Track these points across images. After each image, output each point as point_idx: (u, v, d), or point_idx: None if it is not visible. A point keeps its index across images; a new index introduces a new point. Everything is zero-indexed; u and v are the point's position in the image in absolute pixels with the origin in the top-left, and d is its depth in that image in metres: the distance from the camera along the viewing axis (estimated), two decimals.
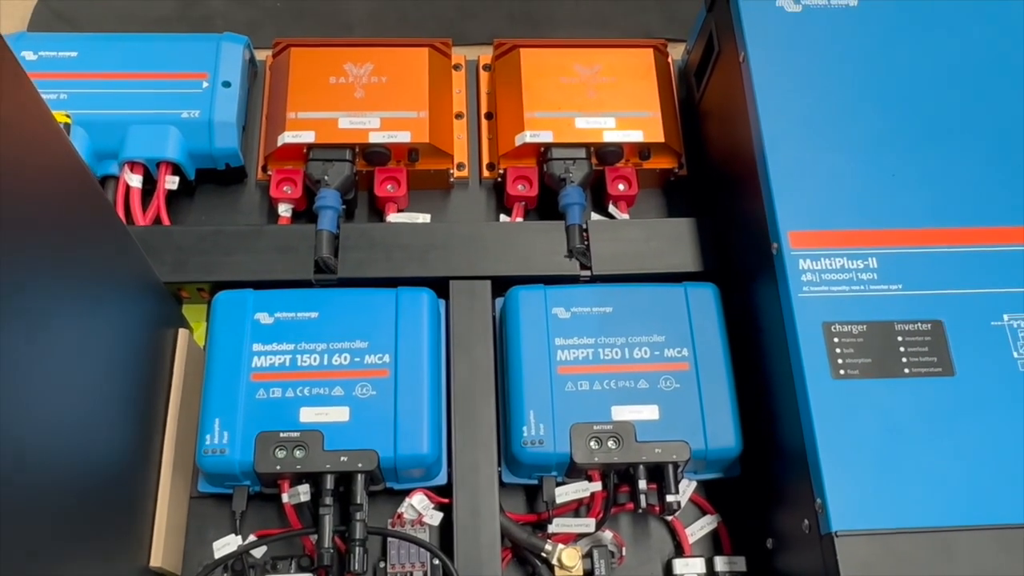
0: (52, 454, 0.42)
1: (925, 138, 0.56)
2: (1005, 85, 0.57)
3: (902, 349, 0.50)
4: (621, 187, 0.67)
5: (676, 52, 0.75)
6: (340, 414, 0.55)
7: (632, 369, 0.57)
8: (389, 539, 0.55)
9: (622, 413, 0.56)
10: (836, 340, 0.50)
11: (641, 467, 0.55)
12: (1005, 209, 0.54)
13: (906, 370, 0.50)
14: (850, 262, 0.52)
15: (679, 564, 0.57)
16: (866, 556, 0.45)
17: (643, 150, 0.67)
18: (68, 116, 0.62)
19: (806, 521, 0.48)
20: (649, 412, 0.56)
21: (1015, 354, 0.50)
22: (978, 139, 0.56)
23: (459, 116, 0.71)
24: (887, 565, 0.45)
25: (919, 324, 0.51)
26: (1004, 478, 0.47)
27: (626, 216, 0.67)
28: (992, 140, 0.56)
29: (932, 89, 0.57)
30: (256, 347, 0.57)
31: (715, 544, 0.59)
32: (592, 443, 0.55)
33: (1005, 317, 0.51)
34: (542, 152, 0.66)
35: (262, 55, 0.73)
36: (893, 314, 0.51)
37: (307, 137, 0.64)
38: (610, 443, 0.55)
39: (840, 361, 0.50)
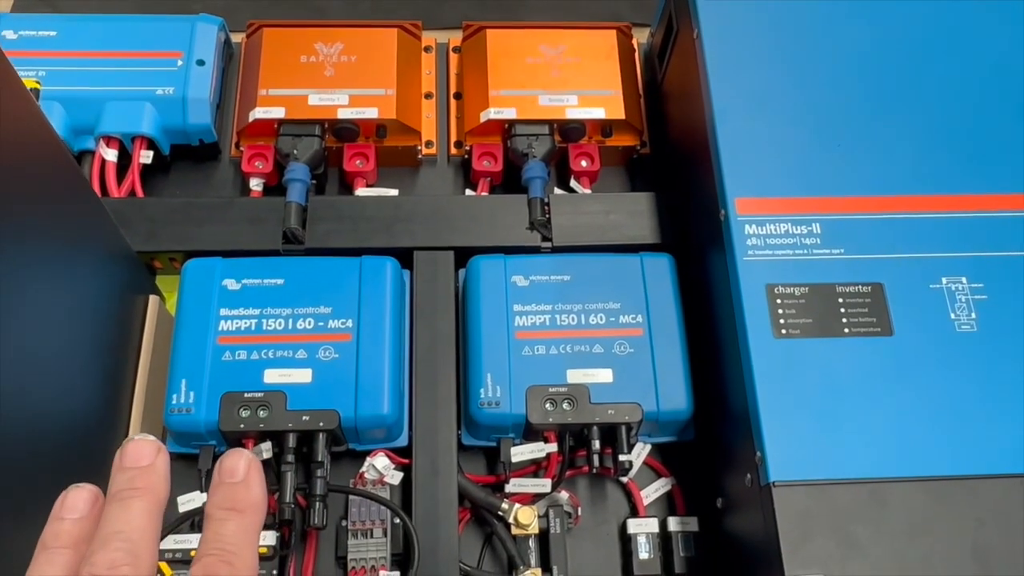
0: (22, 412, 0.43)
1: (870, 110, 0.57)
2: (947, 58, 0.59)
3: (842, 310, 0.52)
4: (584, 163, 0.69)
5: (644, 37, 0.77)
6: (303, 376, 0.57)
7: (588, 335, 0.59)
8: (351, 497, 0.57)
9: (577, 376, 0.58)
10: (779, 301, 0.52)
11: (595, 428, 0.57)
12: (944, 178, 0.56)
13: (846, 330, 0.51)
14: (794, 227, 0.54)
15: (633, 524, 0.58)
16: (802, 505, 0.47)
17: (605, 127, 0.69)
18: (38, 83, 0.64)
19: (748, 475, 0.50)
20: (603, 375, 0.58)
21: (952, 315, 0.52)
22: (920, 112, 0.58)
23: (428, 96, 0.73)
24: (823, 514, 0.46)
25: (859, 286, 0.53)
26: (936, 433, 0.49)
27: (588, 191, 0.68)
28: (933, 113, 0.57)
29: (877, 62, 0.59)
30: (223, 312, 0.58)
31: (669, 506, 0.61)
32: (547, 404, 0.57)
33: (943, 280, 0.53)
34: (506, 129, 0.68)
35: (239, 39, 0.75)
36: (835, 277, 0.53)
37: (277, 113, 0.66)
38: (565, 405, 0.57)
39: (782, 321, 0.51)
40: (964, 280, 0.53)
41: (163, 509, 0.29)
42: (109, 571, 0.27)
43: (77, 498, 0.29)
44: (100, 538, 0.28)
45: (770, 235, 0.54)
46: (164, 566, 0.55)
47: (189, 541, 0.55)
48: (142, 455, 0.30)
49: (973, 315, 0.52)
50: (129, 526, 0.28)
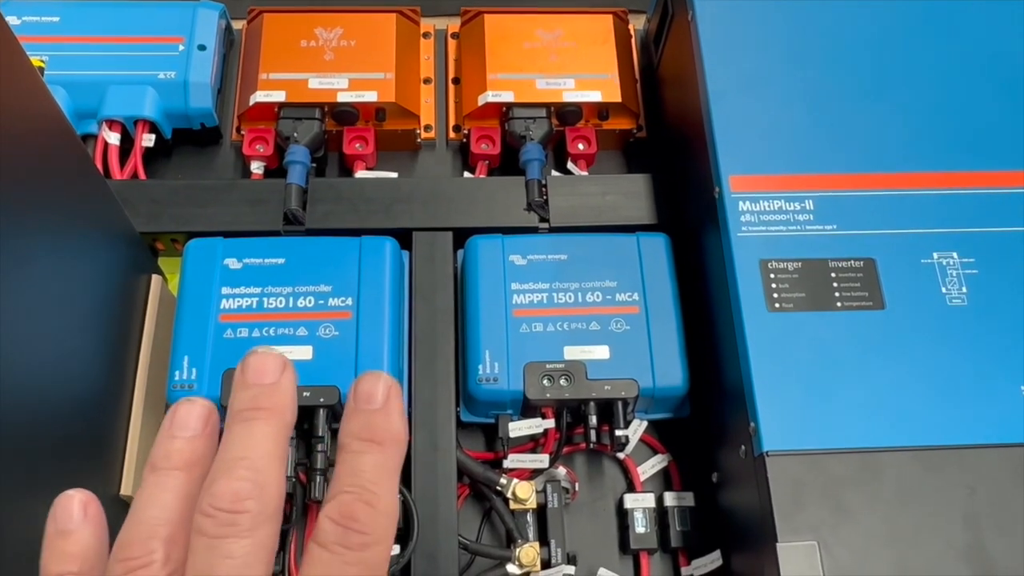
0: (25, 390, 0.44)
1: (862, 89, 0.58)
2: (938, 38, 0.60)
3: (835, 284, 0.53)
4: (581, 146, 0.70)
5: (641, 24, 0.77)
6: (304, 353, 0.57)
7: (584, 312, 0.60)
8: None
9: (574, 353, 0.58)
10: (772, 276, 0.53)
11: (592, 404, 0.57)
12: (935, 156, 0.56)
13: (838, 304, 0.52)
14: (787, 204, 0.55)
15: (629, 499, 0.59)
16: (796, 474, 0.47)
17: (602, 110, 0.69)
18: (42, 61, 0.65)
19: (743, 447, 0.51)
20: (600, 352, 0.58)
21: (943, 289, 0.53)
22: (911, 90, 0.58)
23: (427, 81, 0.74)
24: (815, 482, 0.47)
25: (852, 261, 0.53)
26: (927, 403, 0.49)
27: (585, 173, 0.69)
28: (924, 91, 0.58)
29: (869, 42, 0.60)
30: (225, 290, 0.59)
31: (666, 481, 0.61)
32: (544, 380, 0.57)
33: (934, 255, 0.54)
34: (504, 112, 0.69)
35: (240, 26, 0.76)
36: (827, 252, 0.54)
37: (278, 96, 0.67)
38: (562, 381, 0.58)
39: (776, 295, 0.52)
40: (955, 255, 0.54)
41: (290, 433, 0.27)
42: (233, 504, 0.24)
43: (189, 413, 0.27)
44: (222, 464, 0.25)
45: (764, 212, 0.55)
46: None
47: None
48: (266, 371, 0.27)
49: (964, 289, 0.53)
50: (255, 452, 0.25)
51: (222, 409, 0.55)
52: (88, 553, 0.26)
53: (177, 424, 0.27)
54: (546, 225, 0.65)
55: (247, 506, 0.24)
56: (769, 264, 0.53)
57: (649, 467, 0.61)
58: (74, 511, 0.26)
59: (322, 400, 0.56)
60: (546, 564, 0.56)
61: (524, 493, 0.57)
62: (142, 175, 0.67)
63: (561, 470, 0.60)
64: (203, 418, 0.27)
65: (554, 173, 0.70)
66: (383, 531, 0.25)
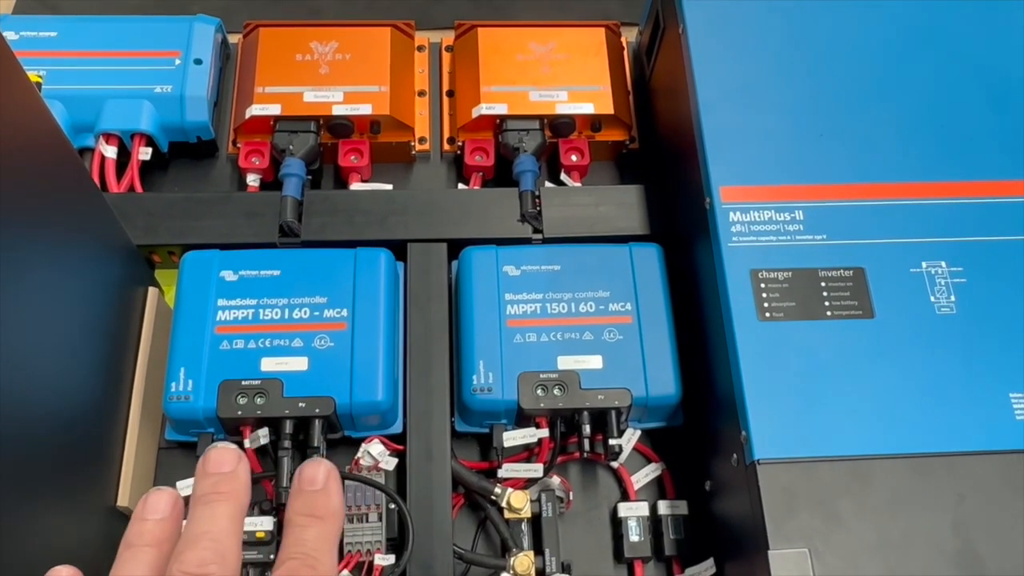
0: (22, 403, 0.44)
1: (851, 100, 0.59)
2: (926, 49, 0.61)
3: (825, 294, 0.53)
4: (574, 158, 0.70)
5: (633, 36, 0.78)
6: (299, 364, 0.58)
7: (578, 322, 0.60)
8: (346, 483, 0.58)
9: (567, 363, 0.59)
10: (763, 286, 0.53)
11: (586, 413, 0.58)
12: (924, 166, 0.57)
13: (828, 312, 0.53)
14: (778, 214, 0.55)
15: (623, 508, 0.59)
16: (787, 482, 0.48)
17: (594, 122, 0.70)
18: (40, 76, 0.66)
19: (735, 455, 0.51)
20: (593, 362, 0.59)
21: (932, 298, 0.53)
22: (900, 101, 0.59)
23: (422, 94, 0.75)
24: (807, 490, 0.48)
25: (841, 271, 0.54)
26: (917, 411, 0.50)
27: (578, 185, 0.70)
28: (912, 102, 0.59)
29: (858, 53, 0.61)
30: (221, 302, 0.60)
31: (659, 490, 0.62)
32: (538, 390, 0.58)
33: (923, 264, 0.54)
34: (498, 124, 0.69)
35: (236, 40, 0.77)
36: (817, 262, 0.54)
37: (274, 110, 0.68)
38: (556, 390, 0.58)
39: (766, 305, 0.53)
40: (944, 264, 0.54)
41: (244, 514, 0.31)
42: (199, 568, 0.28)
43: (159, 500, 0.31)
44: (188, 537, 0.29)
45: (754, 222, 0.55)
46: None
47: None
48: (224, 461, 0.32)
49: (952, 298, 0.53)
50: (216, 527, 0.30)
51: (216, 421, 0.56)
52: (165, 541, 0.30)
53: (148, 508, 0.31)
54: (540, 236, 0.65)
55: (211, 570, 0.28)
56: (760, 274, 0.53)
57: (643, 476, 0.62)
58: (164, 504, 0.31)
59: (317, 411, 0.56)
60: (541, 573, 0.56)
61: (519, 502, 0.58)
62: (139, 188, 0.68)
63: (555, 479, 0.60)
64: (171, 503, 0.31)
65: (547, 184, 0.70)
66: None
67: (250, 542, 0.56)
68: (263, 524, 0.56)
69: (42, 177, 0.46)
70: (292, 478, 0.55)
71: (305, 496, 0.32)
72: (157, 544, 0.30)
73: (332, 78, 0.69)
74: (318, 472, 0.32)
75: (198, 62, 0.70)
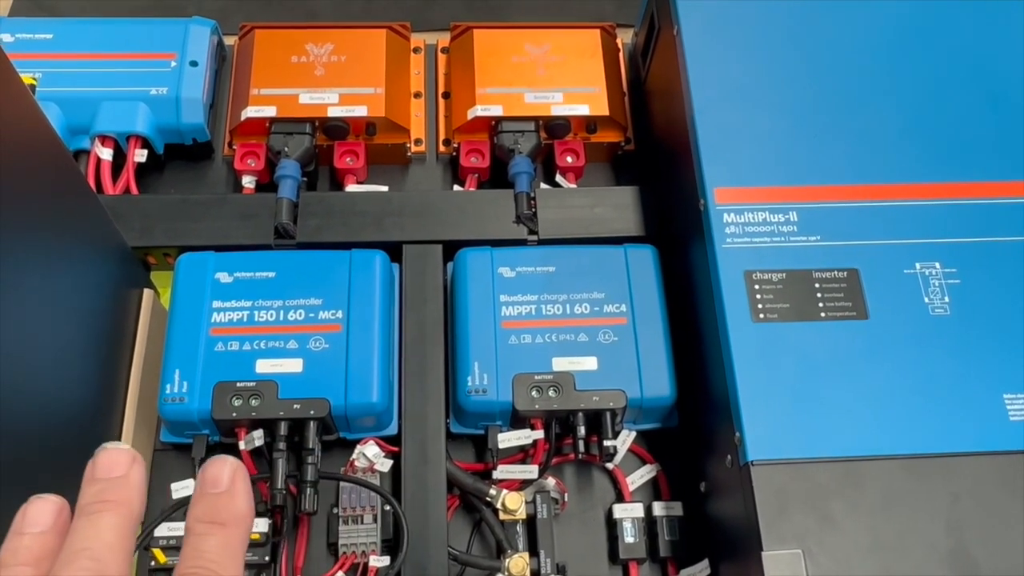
0: (17, 404, 0.44)
1: (845, 101, 0.59)
2: (919, 51, 0.61)
3: (819, 295, 0.53)
4: (569, 159, 0.70)
5: (629, 38, 0.78)
6: (294, 365, 0.58)
7: (572, 324, 0.60)
8: (341, 484, 0.58)
9: (562, 364, 0.59)
10: (757, 287, 0.53)
11: (580, 415, 0.58)
12: (917, 167, 0.57)
13: (822, 314, 0.53)
14: (772, 215, 0.56)
15: (618, 509, 0.59)
16: (781, 483, 0.48)
17: (590, 123, 0.70)
18: (34, 79, 0.66)
19: (729, 457, 0.51)
20: (588, 363, 0.59)
21: (926, 299, 0.53)
22: (893, 103, 0.59)
23: (417, 95, 0.75)
24: (800, 491, 0.48)
25: (836, 272, 0.54)
26: (911, 412, 0.50)
27: (574, 186, 0.70)
28: (906, 104, 0.59)
29: (852, 55, 0.61)
30: (216, 304, 0.60)
31: (654, 491, 0.62)
32: (533, 392, 0.58)
33: (917, 266, 0.54)
34: (493, 126, 0.69)
35: (232, 42, 0.77)
36: (811, 263, 0.54)
37: (269, 111, 0.68)
38: (550, 392, 0.58)
39: (760, 306, 0.53)
40: (937, 265, 0.54)
41: (137, 525, 0.27)
42: None
43: (40, 510, 0.27)
44: (65, 555, 0.26)
45: (748, 223, 0.55)
46: (158, 552, 0.56)
47: (183, 528, 0.56)
48: (115, 465, 0.27)
49: (946, 299, 0.53)
50: (98, 542, 0.26)
51: (211, 422, 0.56)
52: (45, 559, 0.26)
53: (28, 521, 0.27)
54: (535, 237, 0.65)
55: None
56: (754, 275, 0.54)
57: (638, 477, 0.62)
58: (46, 516, 0.27)
59: (312, 412, 0.56)
60: (536, 574, 0.57)
61: (514, 504, 0.58)
62: (134, 190, 0.68)
63: (550, 480, 0.60)
64: (54, 514, 0.27)
65: (543, 186, 0.70)
66: None
67: None
68: (258, 526, 0.56)
69: (36, 180, 0.46)
70: (286, 481, 0.56)
71: (207, 500, 0.28)
72: (35, 563, 0.26)
73: (327, 80, 0.69)
74: (222, 472, 0.28)
75: (194, 64, 0.70)
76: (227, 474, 0.28)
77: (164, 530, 0.56)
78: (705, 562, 0.56)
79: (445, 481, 0.58)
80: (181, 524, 0.56)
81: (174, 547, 0.56)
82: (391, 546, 0.58)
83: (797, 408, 0.50)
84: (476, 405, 0.58)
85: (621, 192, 0.68)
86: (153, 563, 0.56)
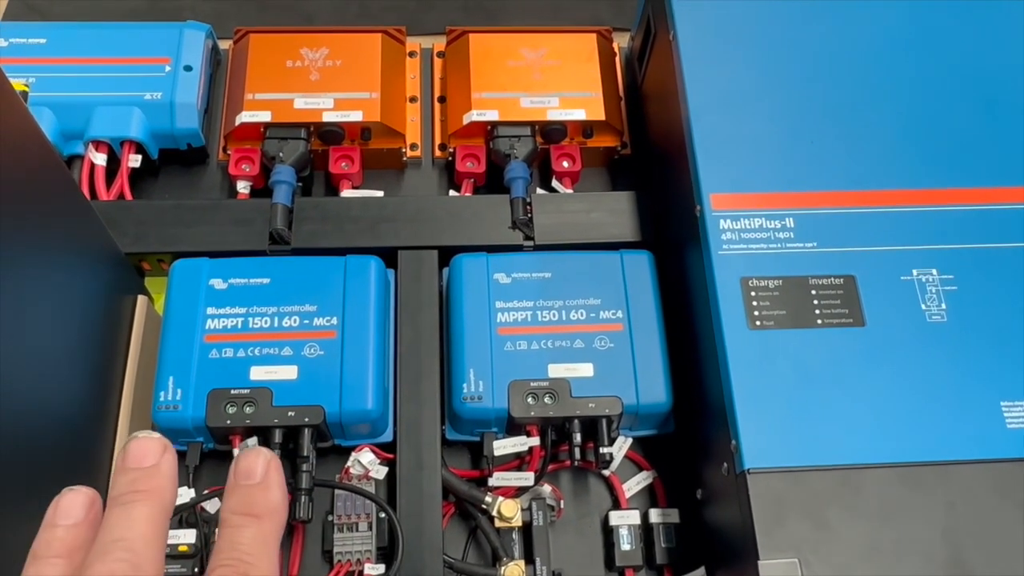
0: (10, 412, 0.44)
1: (842, 107, 0.59)
2: (916, 57, 0.61)
3: (816, 302, 0.53)
4: (565, 164, 0.70)
5: (625, 42, 0.78)
6: (289, 372, 0.58)
7: (568, 330, 0.60)
8: (336, 492, 0.58)
9: (558, 371, 0.59)
10: (753, 294, 0.53)
11: (576, 421, 0.58)
12: (914, 173, 0.57)
13: (819, 321, 0.53)
14: (768, 222, 0.55)
15: (615, 516, 0.59)
16: (777, 491, 0.48)
17: (586, 128, 0.70)
18: (26, 85, 0.66)
19: (725, 464, 0.51)
20: (584, 370, 0.59)
21: (923, 306, 0.53)
22: (890, 108, 0.59)
23: (413, 100, 0.75)
24: (797, 499, 0.47)
25: (832, 279, 0.54)
26: (908, 420, 0.50)
27: (570, 191, 0.70)
28: (903, 109, 0.59)
29: (848, 60, 0.60)
30: (210, 310, 0.59)
31: (651, 498, 0.62)
32: (529, 399, 0.58)
33: (914, 272, 0.54)
34: (489, 130, 0.69)
35: (227, 46, 0.76)
36: (808, 270, 0.54)
37: (264, 117, 0.67)
38: (546, 399, 0.58)
39: (756, 313, 0.53)
40: (934, 272, 0.54)
41: (170, 514, 0.27)
42: None
43: (72, 502, 0.27)
44: (99, 547, 0.25)
45: (745, 229, 0.55)
46: None
47: (177, 536, 0.56)
48: (146, 454, 0.27)
49: (943, 306, 0.53)
50: (131, 533, 0.26)
51: (205, 430, 0.56)
52: (78, 551, 0.26)
53: (60, 512, 0.27)
54: (531, 243, 0.65)
55: None
56: (750, 282, 0.53)
57: (634, 484, 0.61)
58: (79, 507, 0.27)
59: (307, 420, 0.56)
60: None
61: (509, 511, 0.57)
62: (128, 195, 0.68)
63: (546, 488, 0.60)
64: (86, 505, 0.27)
65: (539, 191, 0.70)
66: None
67: None
68: None
69: (27, 186, 0.46)
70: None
71: (241, 492, 0.28)
72: (68, 554, 0.26)
73: (322, 85, 0.69)
74: (256, 463, 0.28)
75: (188, 69, 0.70)
76: (261, 466, 0.28)
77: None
78: (701, 569, 0.56)
79: (440, 488, 0.57)
80: (180, 532, 0.56)
81: (169, 555, 0.56)
82: (386, 554, 0.57)
83: (793, 416, 0.50)
84: (472, 412, 0.58)
85: (617, 197, 0.67)
86: None
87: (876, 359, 0.51)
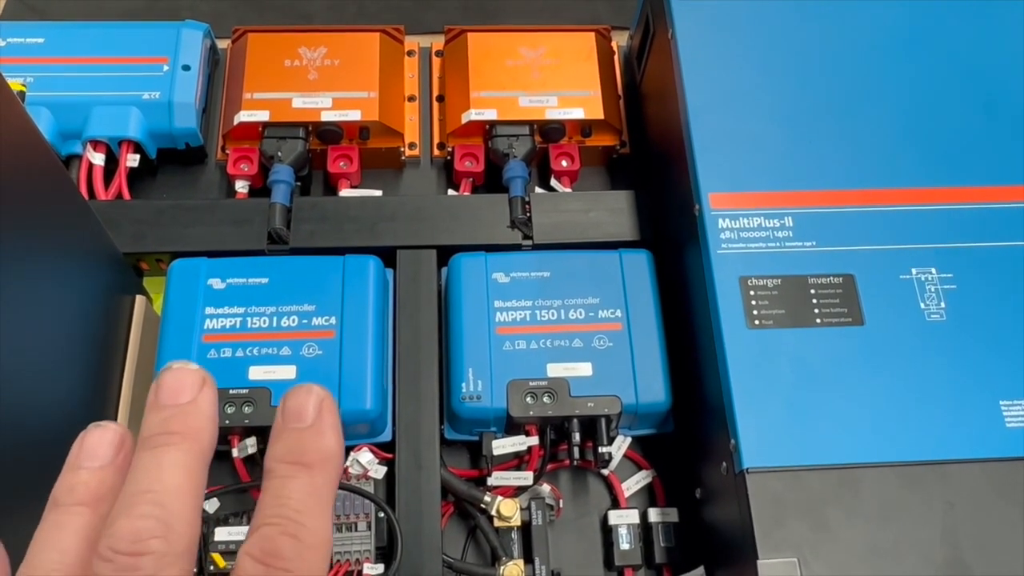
0: (6, 412, 0.44)
1: (840, 106, 0.59)
2: (914, 56, 0.61)
3: (815, 301, 0.53)
4: (564, 163, 0.70)
5: (624, 41, 0.78)
6: (287, 372, 0.58)
7: (567, 329, 0.60)
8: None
9: (557, 370, 0.59)
10: (752, 293, 0.53)
11: (575, 421, 0.57)
12: (914, 172, 0.57)
13: (818, 320, 0.52)
14: (767, 221, 0.55)
15: (614, 515, 0.59)
16: (776, 491, 0.48)
17: (584, 127, 0.70)
18: (23, 85, 0.66)
19: (724, 464, 0.51)
20: (583, 369, 0.59)
21: (922, 305, 0.53)
22: (889, 107, 0.59)
23: (411, 99, 0.75)
24: (796, 499, 0.47)
25: (831, 278, 0.54)
26: (907, 419, 0.50)
27: (569, 190, 0.70)
28: (901, 108, 0.59)
29: (847, 59, 0.60)
30: (208, 310, 0.59)
31: (650, 497, 0.61)
32: (528, 398, 0.58)
33: (913, 271, 0.54)
34: (487, 130, 0.69)
35: (225, 45, 0.76)
36: (807, 269, 0.54)
37: (262, 116, 0.67)
38: (545, 398, 0.58)
39: (755, 312, 0.52)
40: (933, 271, 0.54)
41: (208, 461, 0.23)
42: (133, 546, 0.21)
43: (100, 440, 0.24)
44: (124, 499, 0.22)
45: (743, 229, 0.55)
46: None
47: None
48: (183, 389, 0.24)
49: (942, 305, 0.53)
50: (162, 484, 0.22)
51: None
52: (104, 498, 0.23)
53: (85, 452, 0.23)
54: (529, 242, 0.65)
55: (151, 546, 0.21)
56: (749, 281, 0.53)
57: (633, 483, 0.61)
58: (106, 447, 0.24)
59: None
60: None
61: (508, 510, 0.57)
62: (127, 195, 0.67)
63: (545, 487, 0.60)
64: (115, 445, 0.24)
65: (537, 190, 0.70)
66: (312, 567, 0.22)
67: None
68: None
69: (24, 186, 0.46)
70: None
71: (289, 436, 0.24)
72: (93, 502, 0.23)
73: (321, 84, 0.69)
74: (307, 403, 0.24)
75: (186, 68, 0.70)
76: (313, 405, 0.24)
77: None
78: (701, 569, 0.56)
79: (439, 488, 0.57)
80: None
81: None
82: (385, 554, 0.57)
83: (792, 415, 0.50)
84: (470, 411, 0.58)
85: (616, 196, 0.67)
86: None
87: (875, 358, 0.51)
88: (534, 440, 0.58)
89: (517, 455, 0.60)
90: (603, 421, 0.57)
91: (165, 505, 0.22)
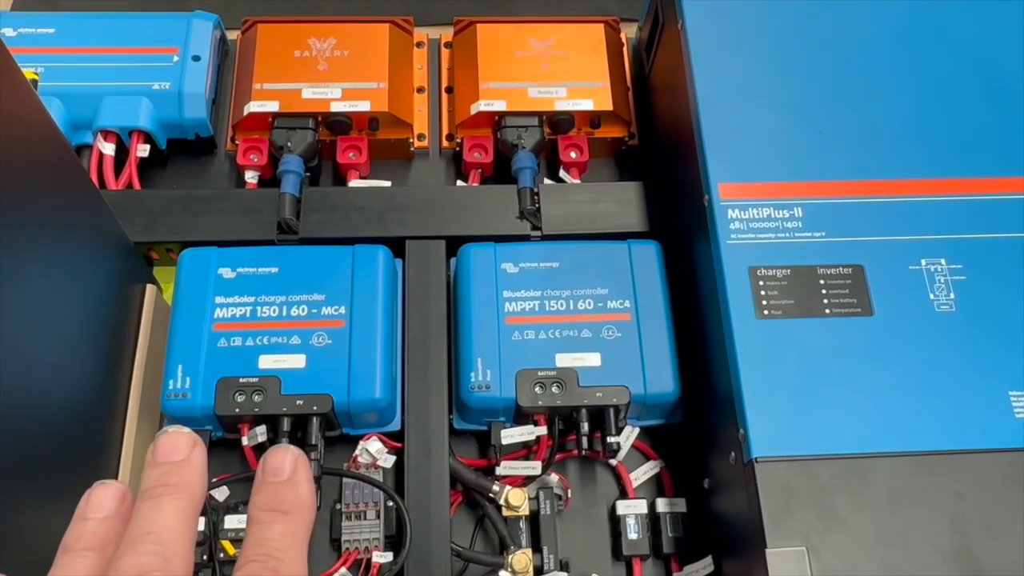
0: (20, 400, 0.44)
1: (849, 96, 0.59)
2: (924, 47, 0.61)
3: (824, 291, 0.53)
4: (573, 154, 0.70)
5: (633, 32, 0.78)
6: (297, 361, 0.58)
7: (576, 319, 0.60)
8: (344, 480, 0.58)
9: (565, 360, 0.59)
10: (761, 283, 0.53)
11: (584, 411, 0.58)
12: (923, 163, 0.57)
13: (827, 310, 0.52)
14: (776, 211, 0.55)
15: (622, 505, 0.59)
16: (785, 480, 0.48)
17: (593, 119, 0.70)
18: (36, 74, 0.66)
19: (733, 453, 0.51)
20: (592, 359, 0.59)
21: (931, 295, 0.53)
22: (898, 98, 0.59)
23: (420, 90, 0.75)
24: (804, 488, 0.47)
25: (840, 268, 0.54)
26: (915, 409, 0.50)
27: (577, 181, 0.70)
28: (911, 99, 0.59)
29: (856, 50, 0.60)
30: (219, 299, 0.60)
31: (658, 487, 0.62)
32: (536, 388, 0.58)
33: (923, 262, 0.54)
34: (496, 121, 0.69)
35: (235, 36, 0.76)
36: (816, 259, 0.54)
37: (272, 106, 0.67)
38: (554, 388, 0.58)
39: (764, 302, 0.53)
40: (943, 262, 0.54)
41: (199, 508, 0.28)
42: None
43: (103, 496, 0.27)
44: (128, 540, 0.26)
45: (753, 219, 0.55)
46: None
47: None
48: (176, 449, 0.28)
49: (952, 295, 0.53)
50: (160, 527, 0.26)
51: (214, 418, 0.56)
52: (109, 544, 0.27)
53: (91, 506, 0.27)
54: (538, 233, 0.65)
55: None
56: (758, 271, 0.53)
57: (641, 473, 0.61)
58: (110, 501, 0.27)
59: (315, 408, 0.56)
60: (539, 571, 0.56)
61: (517, 500, 0.58)
62: (137, 185, 0.68)
63: (554, 477, 0.60)
64: (117, 499, 0.27)
65: (546, 181, 0.70)
66: None
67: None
68: None
69: (38, 175, 0.46)
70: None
71: (268, 488, 0.28)
72: (99, 548, 0.26)
73: (330, 75, 0.69)
74: (284, 460, 0.28)
75: (196, 59, 0.70)
76: (289, 463, 0.28)
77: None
78: (708, 559, 0.56)
79: (448, 477, 0.57)
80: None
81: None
82: (394, 542, 0.57)
83: (801, 405, 0.50)
84: (479, 401, 0.58)
85: (625, 187, 0.67)
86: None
87: (884, 349, 0.51)
88: (542, 430, 0.59)
89: (525, 445, 0.60)
90: (611, 411, 0.58)
91: (165, 543, 0.25)
